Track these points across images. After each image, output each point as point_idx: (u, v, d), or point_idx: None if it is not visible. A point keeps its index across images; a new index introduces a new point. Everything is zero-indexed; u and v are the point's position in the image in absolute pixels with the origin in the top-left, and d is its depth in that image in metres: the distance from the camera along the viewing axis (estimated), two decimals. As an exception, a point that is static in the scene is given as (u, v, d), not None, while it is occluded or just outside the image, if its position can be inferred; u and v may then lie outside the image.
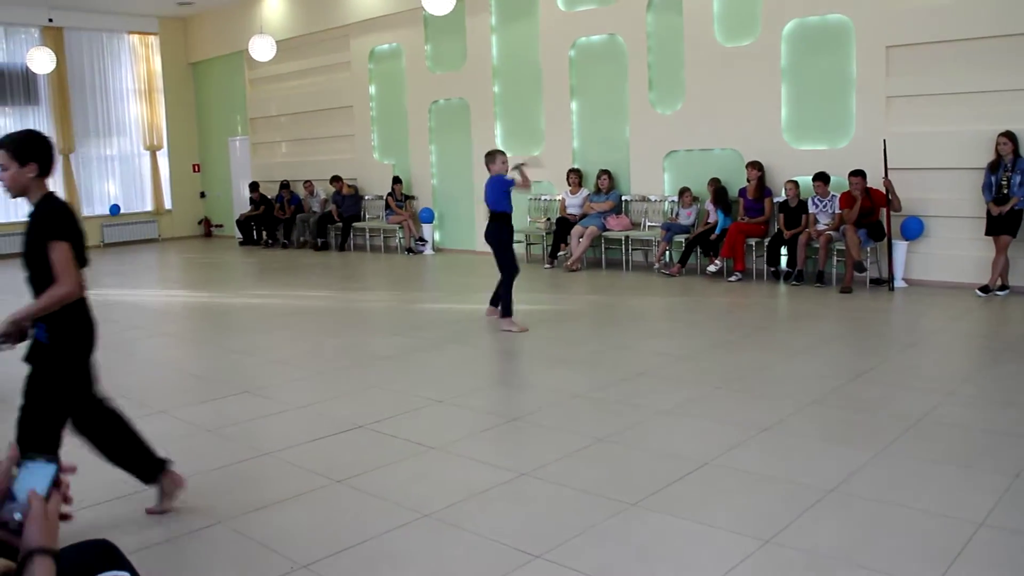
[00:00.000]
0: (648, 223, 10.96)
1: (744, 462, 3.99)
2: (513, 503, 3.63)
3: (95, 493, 3.87)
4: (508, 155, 7.72)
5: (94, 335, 3.48)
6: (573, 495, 3.68)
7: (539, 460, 4.09)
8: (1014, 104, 8.17)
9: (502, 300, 7.41)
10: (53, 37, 16.10)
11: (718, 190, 9.95)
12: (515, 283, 7.45)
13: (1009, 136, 7.98)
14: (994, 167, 8.10)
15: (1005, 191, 8.00)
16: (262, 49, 13.59)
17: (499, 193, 7.40)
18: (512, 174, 7.55)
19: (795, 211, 9.38)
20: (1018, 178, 7.94)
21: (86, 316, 3.43)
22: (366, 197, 14.65)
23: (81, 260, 3.32)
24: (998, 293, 8.16)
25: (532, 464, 4.04)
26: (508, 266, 7.38)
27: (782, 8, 9.57)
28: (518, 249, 12.14)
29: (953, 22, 8.40)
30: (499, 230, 7.42)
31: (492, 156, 7.58)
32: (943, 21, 8.46)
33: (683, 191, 10.32)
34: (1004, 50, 8.16)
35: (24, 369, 3.39)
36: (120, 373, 6.30)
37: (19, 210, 16.25)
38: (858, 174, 8.68)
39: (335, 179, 14.50)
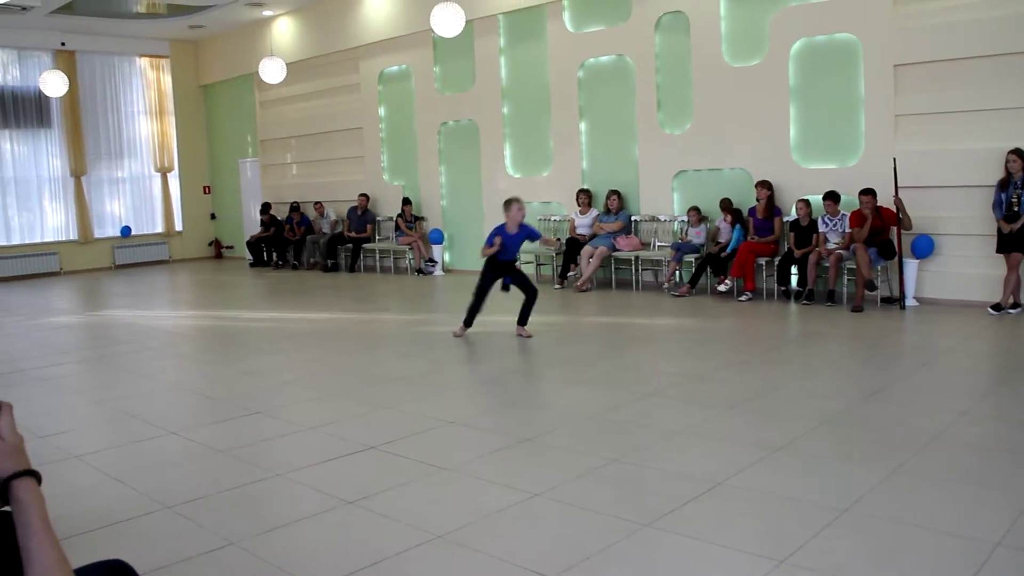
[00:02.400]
0: (658, 243, 10.97)
1: (758, 482, 3.96)
2: (526, 524, 3.62)
3: (108, 513, 3.87)
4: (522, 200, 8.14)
5: None
6: (586, 516, 3.67)
7: (552, 481, 4.08)
8: (1023, 121, 8.16)
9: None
10: (66, 61, 16.28)
11: (735, 210, 9.96)
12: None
13: (1018, 153, 7.96)
14: (1004, 184, 8.08)
15: (1016, 208, 7.98)
16: (272, 71, 13.69)
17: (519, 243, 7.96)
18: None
19: (805, 230, 9.37)
20: (1029, 195, 7.93)
21: None
22: (378, 218, 14.71)
23: None
24: (1010, 311, 8.13)
25: (545, 485, 4.02)
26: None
27: (790, 28, 9.61)
28: (528, 269, 12.23)
29: (961, 40, 8.41)
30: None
31: (508, 205, 7.90)
32: (951, 39, 8.48)
33: (692, 210, 10.34)
34: (1012, 68, 8.17)
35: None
36: (132, 394, 6.32)
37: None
38: (868, 193, 8.68)
39: (362, 195, 14.59)
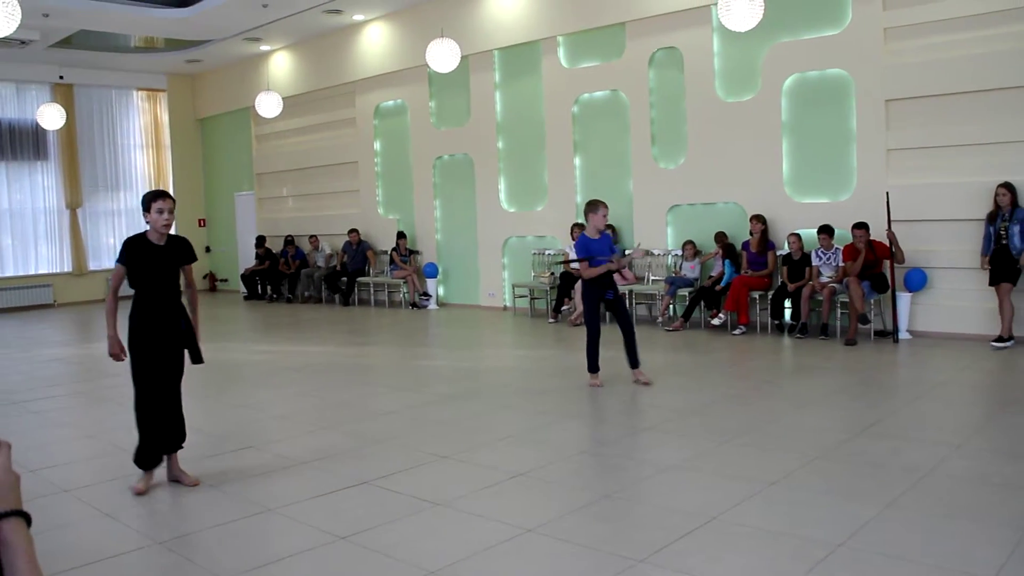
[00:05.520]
0: (652, 277, 10.99)
1: (751, 517, 3.95)
2: (518, 560, 3.59)
3: (98, 549, 3.84)
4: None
5: None
6: (579, 552, 3.64)
7: (545, 516, 4.06)
8: (1012, 155, 8.25)
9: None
10: (63, 94, 16.38)
11: (728, 244, 10.00)
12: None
13: (1008, 187, 8.05)
14: (992, 217, 8.16)
15: (1004, 241, 8.04)
16: (269, 105, 13.77)
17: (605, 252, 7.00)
18: (620, 261, 7.16)
19: (798, 264, 9.41)
20: (1017, 228, 7.99)
21: None
22: (373, 250, 14.70)
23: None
24: (997, 344, 8.13)
25: (537, 520, 4.00)
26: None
27: (782, 63, 9.71)
28: (521, 303, 12.24)
29: (951, 76, 8.51)
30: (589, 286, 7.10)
31: (595, 206, 6.98)
32: (941, 75, 8.57)
33: (685, 245, 10.37)
34: (1002, 103, 8.27)
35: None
36: (124, 427, 6.27)
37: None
38: (861, 226, 8.72)
39: (352, 231, 14.58)
